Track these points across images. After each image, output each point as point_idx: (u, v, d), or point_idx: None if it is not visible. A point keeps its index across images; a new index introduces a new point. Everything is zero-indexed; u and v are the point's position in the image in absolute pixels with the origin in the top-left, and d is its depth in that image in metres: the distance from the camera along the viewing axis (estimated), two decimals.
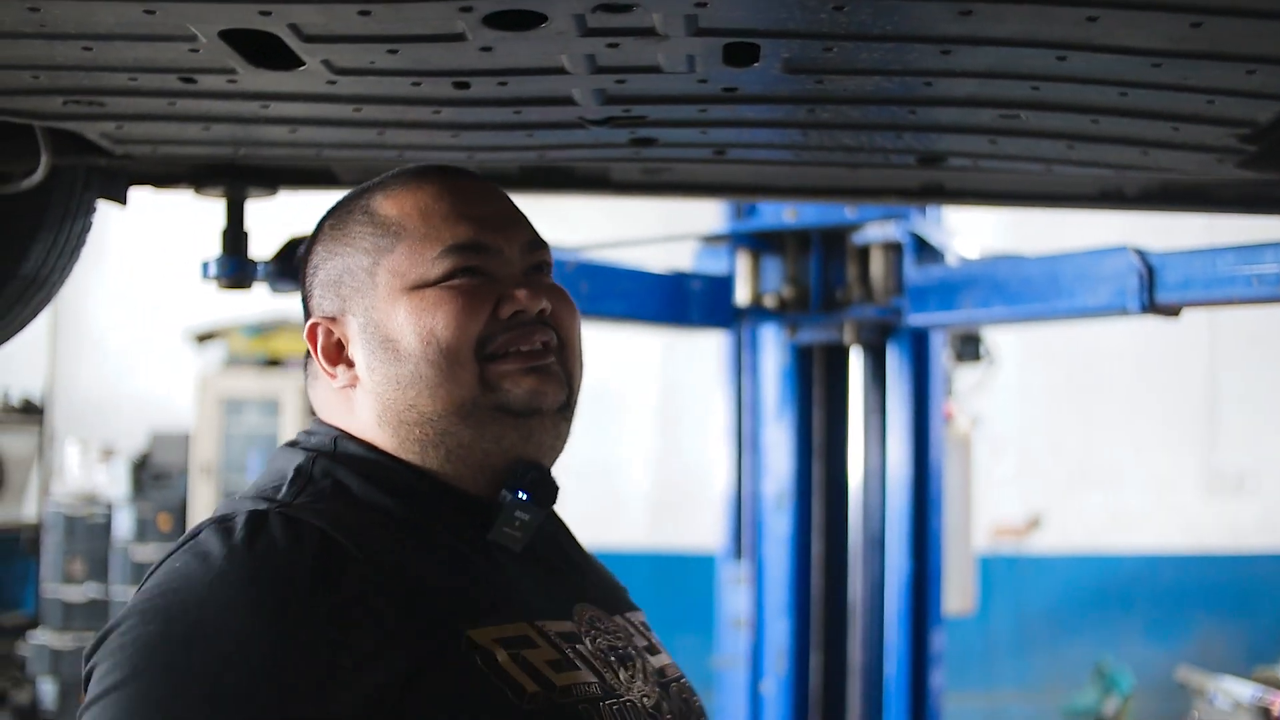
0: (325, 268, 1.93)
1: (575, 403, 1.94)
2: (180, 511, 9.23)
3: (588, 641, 1.86)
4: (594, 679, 1.78)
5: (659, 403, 9.93)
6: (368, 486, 1.83)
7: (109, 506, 9.40)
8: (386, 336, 1.85)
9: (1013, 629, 10.32)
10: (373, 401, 1.88)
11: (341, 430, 1.91)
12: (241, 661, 1.56)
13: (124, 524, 9.29)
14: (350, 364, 1.89)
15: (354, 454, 1.87)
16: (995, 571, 9.77)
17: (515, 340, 1.85)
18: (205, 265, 2.96)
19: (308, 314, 1.96)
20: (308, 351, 1.96)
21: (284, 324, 9.29)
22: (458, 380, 1.82)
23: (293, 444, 1.94)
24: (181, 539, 1.72)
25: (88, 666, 1.63)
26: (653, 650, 2.01)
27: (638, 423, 10.02)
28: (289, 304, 7.91)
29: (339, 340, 1.90)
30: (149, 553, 9.12)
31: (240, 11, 1.74)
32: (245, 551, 1.63)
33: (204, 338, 9.49)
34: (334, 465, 1.85)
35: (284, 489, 1.81)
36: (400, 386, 1.85)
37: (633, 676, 1.88)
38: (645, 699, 1.86)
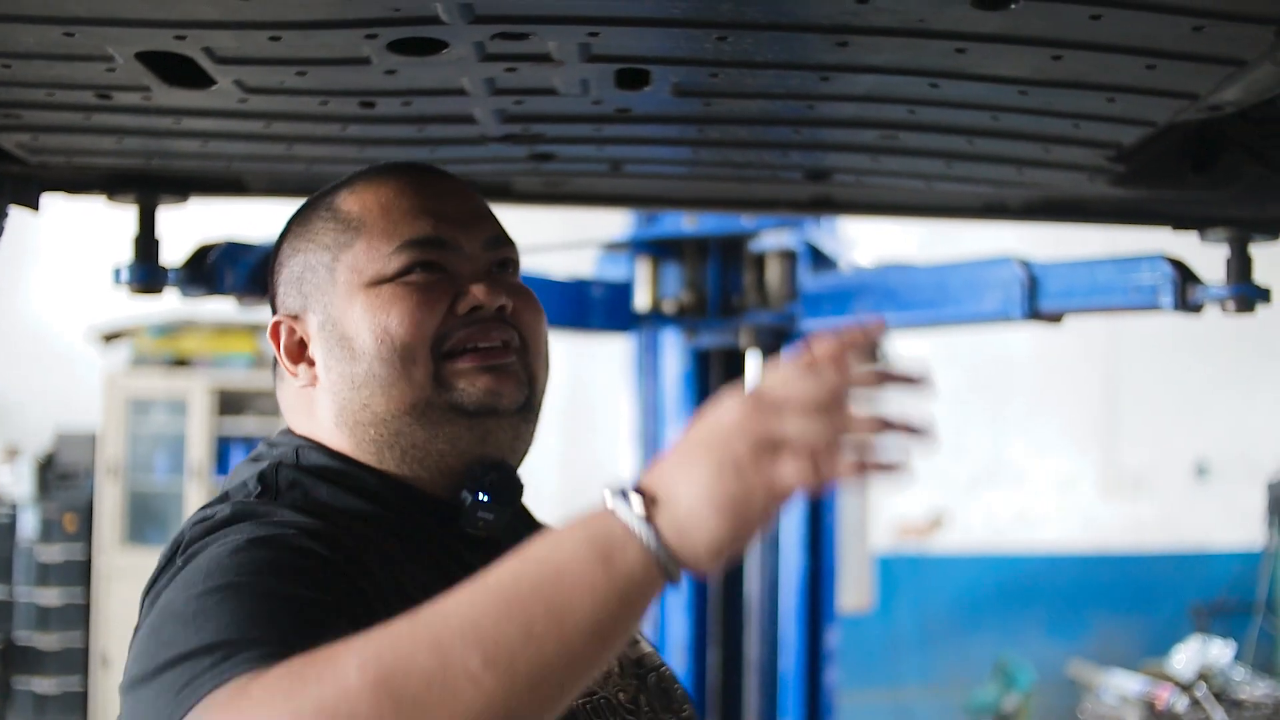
0: (289, 265, 1.88)
1: (538, 403, 1.89)
2: (86, 512, 9.12)
3: None
4: None
5: (565, 404, 9.96)
6: (335, 492, 1.77)
7: (13, 506, 9.26)
8: (343, 334, 1.80)
9: (916, 626, 10.40)
10: (330, 401, 1.83)
11: (305, 439, 1.85)
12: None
13: (28, 524, 9.18)
14: (311, 363, 1.85)
15: (317, 464, 1.81)
16: (899, 570, 9.87)
17: (473, 337, 1.79)
18: (117, 271, 2.99)
19: (274, 312, 1.91)
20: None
21: (191, 324, 9.22)
22: (411, 379, 1.77)
23: (255, 458, 1.87)
24: (177, 552, 1.62)
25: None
26: (630, 641, 1.93)
27: (544, 423, 10.01)
28: (195, 305, 7.89)
29: (301, 339, 1.86)
30: (54, 553, 9.02)
31: (157, 35, 1.80)
32: (255, 520, 1.60)
33: (110, 337, 9.40)
34: (299, 474, 1.78)
35: (251, 498, 1.72)
36: (355, 386, 1.79)
37: (608, 672, 1.83)
38: (621, 694, 1.83)
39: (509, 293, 1.83)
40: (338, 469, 1.81)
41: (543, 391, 1.90)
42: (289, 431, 1.90)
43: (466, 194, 1.91)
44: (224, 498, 1.75)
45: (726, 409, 1.32)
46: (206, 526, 1.61)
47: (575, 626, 1.26)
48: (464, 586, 1.30)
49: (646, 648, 1.98)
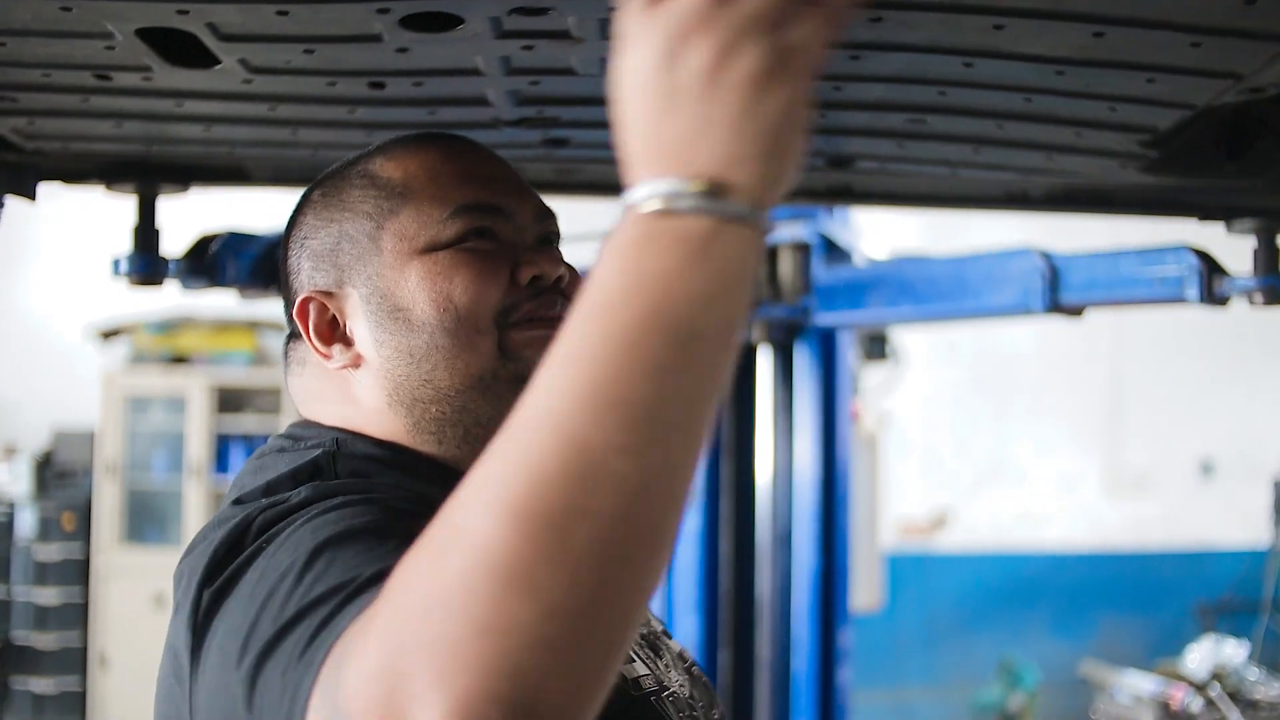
0: (316, 238, 1.76)
1: None
2: (84, 510, 9.11)
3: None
4: (647, 671, 1.67)
5: None
6: (399, 475, 1.64)
7: (11, 505, 9.25)
8: (396, 306, 1.68)
9: (920, 626, 10.40)
10: (381, 381, 1.70)
11: (339, 428, 1.72)
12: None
13: (26, 523, 9.16)
14: (349, 342, 1.72)
15: (367, 453, 1.68)
16: (903, 569, 9.86)
17: (539, 308, 1.69)
18: (116, 262, 2.93)
19: (291, 293, 1.78)
20: (288, 338, 1.83)
21: (190, 321, 9.20)
22: (477, 350, 1.66)
23: (283, 450, 1.70)
24: (245, 537, 1.48)
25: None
26: (667, 632, 1.91)
27: None
28: (194, 300, 7.85)
29: (333, 316, 1.72)
30: (52, 552, 9.00)
31: (158, 10, 1.73)
32: (340, 496, 1.47)
33: (108, 335, 9.38)
34: (358, 463, 1.65)
35: (303, 491, 1.54)
36: (414, 360, 1.67)
37: (668, 666, 1.77)
38: (683, 689, 1.75)
39: (563, 263, 1.75)
40: (391, 457, 1.68)
41: None
42: (309, 423, 1.77)
43: (507, 164, 1.82)
44: (267, 490, 1.58)
45: (646, 41, 1.08)
46: (281, 510, 1.47)
47: (701, 348, 1.06)
48: (549, 362, 1.10)
49: (677, 642, 1.91)
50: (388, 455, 1.68)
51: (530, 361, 1.63)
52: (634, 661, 1.65)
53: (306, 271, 1.76)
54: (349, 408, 1.73)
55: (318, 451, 1.65)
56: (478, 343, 1.66)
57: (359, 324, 1.71)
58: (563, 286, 1.72)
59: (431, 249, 1.68)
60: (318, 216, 1.77)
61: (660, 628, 1.89)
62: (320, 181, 1.81)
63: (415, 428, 1.69)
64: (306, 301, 1.73)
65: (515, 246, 1.72)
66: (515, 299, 1.68)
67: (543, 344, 1.54)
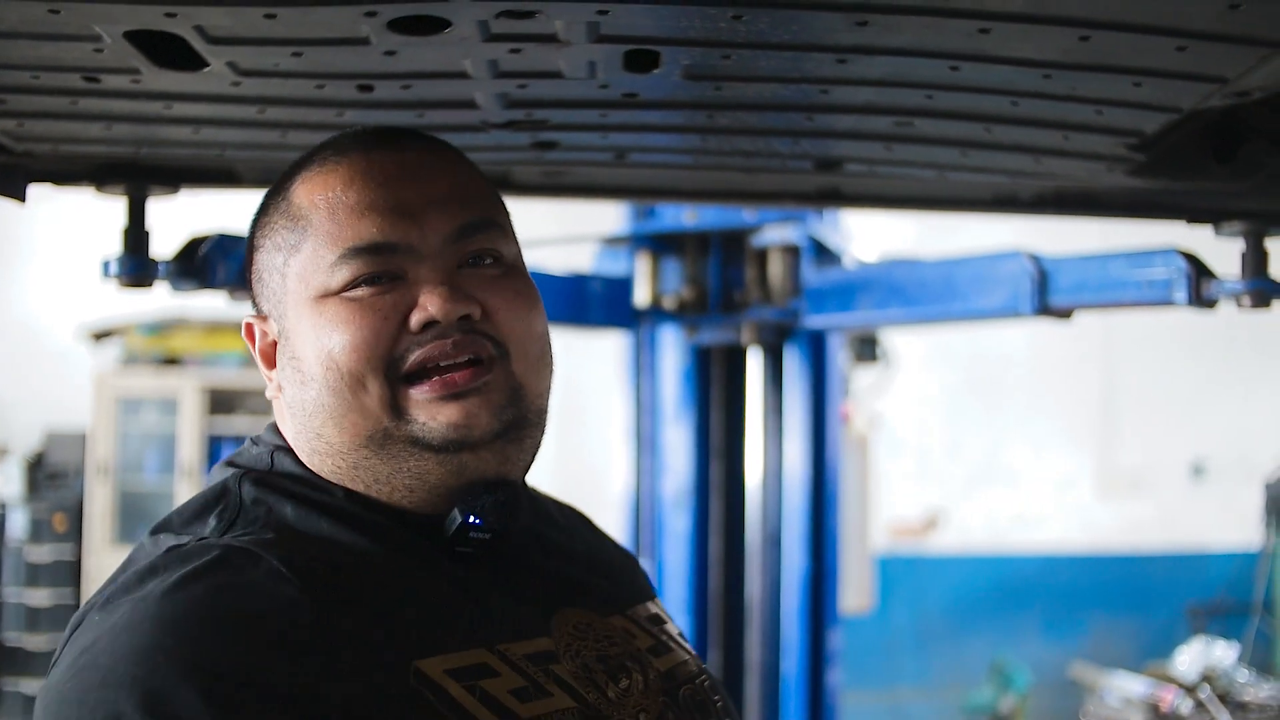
0: (256, 259, 1.73)
1: (533, 413, 1.67)
2: (76, 511, 9.11)
3: (567, 659, 1.61)
4: (571, 703, 1.56)
5: (558, 402, 9.88)
6: (302, 512, 1.58)
7: (2, 506, 9.26)
8: (294, 354, 1.63)
9: (912, 627, 10.40)
10: (290, 421, 1.67)
11: (285, 443, 1.69)
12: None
13: (18, 525, 9.16)
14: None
15: (289, 472, 1.65)
16: (894, 571, 9.86)
17: (431, 355, 1.58)
18: (106, 264, 2.93)
19: (255, 306, 1.76)
20: None
21: (181, 322, 9.20)
22: (363, 409, 1.58)
23: (231, 461, 1.72)
24: (102, 588, 1.53)
25: None
26: (660, 649, 1.77)
27: None
28: (186, 302, 7.85)
29: (274, 340, 1.69)
30: (44, 554, 9.01)
31: (146, 13, 1.73)
32: (166, 586, 1.43)
33: (100, 336, 9.38)
34: (264, 491, 1.61)
35: (210, 520, 1.58)
36: (307, 413, 1.62)
37: (627, 690, 1.63)
38: (642, 714, 1.62)
39: (480, 294, 1.63)
40: (309, 481, 1.64)
41: (540, 395, 1.70)
42: (274, 429, 1.75)
43: (437, 171, 1.71)
44: (185, 524, 1.62)
45: None
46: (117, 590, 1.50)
47: None
48: None
49: (682, 656, 1.81)
50: (308, 480, 1.64)
51: (424, 425, 1.58)
52: (550, 696, 1.55)
53: (254, 290, 1.74)
54: (286, 428, 1.71)
55: (230, 474, 1.65)
56: (364, 401, 1.58)
57: (279, 357, 1.70)
58: (474, 325, 1.62)
59: (323, 295, 1.61)
60: (258, 233, 1.73)
61: (648, 644, 1.77)
62: (273, 186, 1.77)
63: (319, 472, 1.66)
64: (249, 325, 1.73)
65: (418, 284, 1.61)
66: (406, 347, 1.59)
67: (435, 405, 1.54)
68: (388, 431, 1.58)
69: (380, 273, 1.60)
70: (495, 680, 1.51)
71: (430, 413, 1.58)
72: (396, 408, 1.58)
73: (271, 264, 1.67)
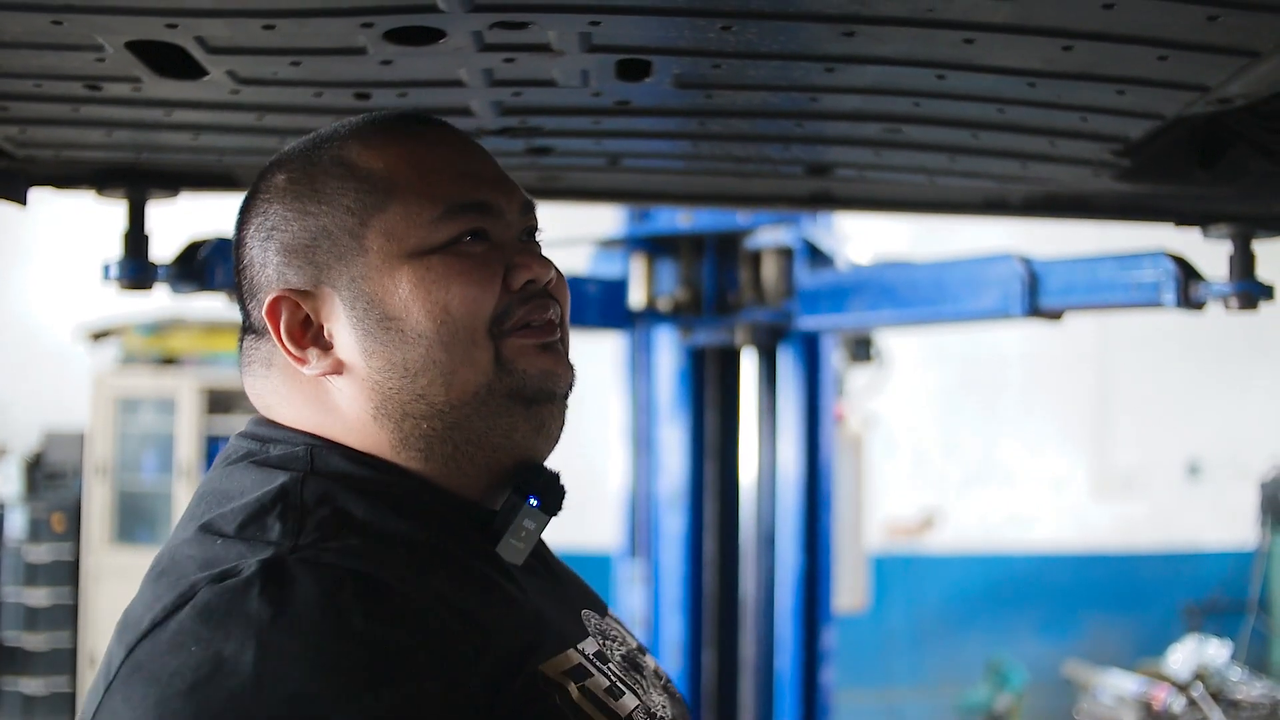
0: (288, 230, 1.61)
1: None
2: (74, 512, 9.11)
3: (615, 657, 1.66)
4: (636, 701, 1.60)
5: None
6: (374, 510, 1.52)
7: (1, 506, 9.26)
8: (386, 314, 1.56)
9: (908, 626, 10.41)
10: (367, 393, 1.59)
11: (311, 435, 1.61)
12: None
13: (16, 524, 9.15)
14: (326, 347, 1.60)
15: (342, 470, 1.57)
16: (890, 570, 9.87)
17: (530, 314, 1.61)
18: (106, 267, 2.95)
19: (255, 288, 1.64)
20: (244, 334, 1.69)
21: (179, 323, 9.20)
22: (475, 363, 1.57)
23: (249, 456, 1.60)
24: (168, 604, 1.39)
25: None
26: (643, 649, 1.81)
27: None
28: (184, 303, 7.86)
29: (307, 317, 1.59)
30: (42, 553, 9.00)
31: (148, 24, 1.76)
32: (278, 618, 1.34)
33: (98, 336, 9.38)
34: (329, 486, 1.53)
35: (274, 525, 1.46)
36: (409, 374, 1.56)
37: (648, 685, 1.68)
38: (665, 709, 1.67)
39: (549, 263, 1.66)
40: (369, 476, 1.57)
41: None
42: (272, 423, 1.66)
43: (489, 154, 1.72)
44: (240, 530, 1.47)
45: None
46: (222, 594, 1.37)
47: None
48: None
49: (650, 657, 1.83)
50: (366, 474, 1.57)
51: (525, 374, 1.59)
52: (623, 694, 1.58)
53: (275, 266, 1.62)
54: (324, 416, 1.62)
55: (285, 476, 1.54)
56: (475, 356, 1.57)
57: (341, 329, 1.59)
58: (550, 290, 1.65)
59: (422, 252, 1.57)
60: (288, 206, 1.62)
61: (636, 644, 1.80)
62: (283, 163, 1.67)
63: (402, 443, 1.60)
64: (278, 301, 1.60)
65: (505, 247, 1.63)
66: (508, 305, 1.60)
67: (534, 355, 1.56)
68: (490, 386, 1.58)
69: (481, 229, 1.61)
70: (592, 680, 1.54)
71: (529, 361, 1.60)
72: (500, 360, 1.59)
73: (337, 227, 1.59)
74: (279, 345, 1.60)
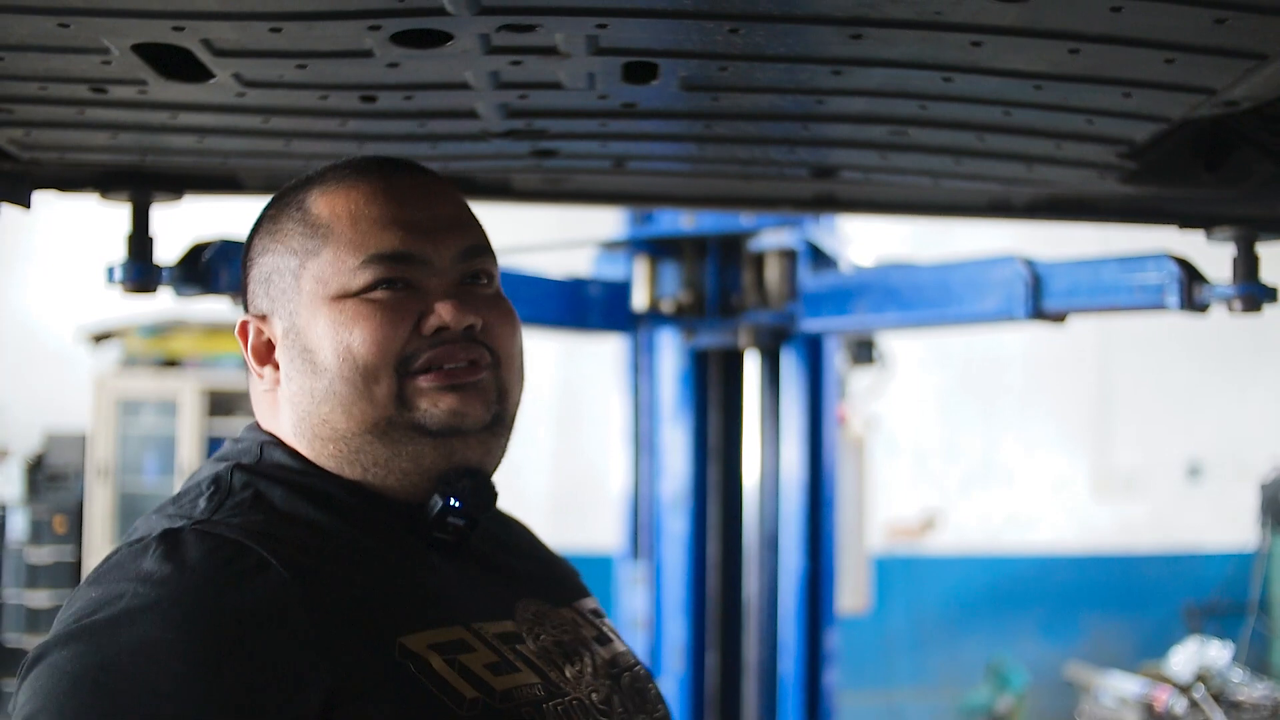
0: (259, 263, 1.84)
1: (510, 417, 1.85)
2: (76, 513, 9.11)
3: (530, 640, 1.79)
4: (536, 679, 1.72)
5: (557, 405, 9.94)
6: (290, 497, 1.74)
7: (3, 508, 9.25)
8: (305, 346, 1.77)
9: (909, 628, 10.42)
10: (290, 410, 1.80)
11: (271, 436, 1.84)
12: (160, 698, 1.48)
13: (18, 526, 9.16)
14: (276, 366, 1.82)
15: (279, 463, 1.79)
16: (892, 571, 9.87)
17: (439, 358, 1.75)
18: (110, 270, 2.94)
19: (245, 308, 1.88)
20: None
21: (181, 324, 9.20)
22: (373, 398, 1.74)
23: (220, 456, 1.86)
24: (100, 564, 1.66)
25: (15, 693, 1.55)
26: (603, 639, 1.94)
27: (537, 425, 10.02)
28: (186, 304, 7.87)
29: (269, 340, 1.83)
30: (44, 555, 9.02)
31: (154, 27, 1.76)
32: (162, 576, 1.56)
33: (100, 338, 9.38)
34: (254, 477, 1.76)
35: (200, 502, 1.71)
36: (315, 400, 1.76)
37: (580, 672, 1.81)
38: (594, 694, 1.80)
39: (480, 309, 1.80)
40: (298, 469, 1.79)
41: (516, 404, 1.87)
42: (256, 427, 1.90)
43: (444, 198, 1.86)
44: (176, 504, 1.74)
45: None
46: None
47: None
48: None
49: (620, 647, 1.97)
50: (296, 468, 1.79)
51: (426, 412, 1.75)
52: (519, 671, 1.72)
53: (250, 293, 1.87)
54: (276, 423, 1.85)
55: (229, 464, 1.79)
56: (374, 393, 1.74)
57: (281, 354, 1.82)
58: (475, 334, 1.79)
59: (341, 296, 1.76)
60: (262, 239, 1.86)
61: (593, 634, 1.94)
62: (275, 200, 1.88)
63: (318, 458, 1.80)
64: (245, 324, 1.85)
65: (428, 294, 1.78)
66: (417, 348, 1.76)
67: (437, 394, 1.73)
68: (391, 419, 1.75)
69: (398, 279, 1.76)
70: (472, 655, 1.68)
71: (432, 400, 1.75)
72: (402, 399, 1.75)
73: (284, 266, 1.80)
74: (246, 360, 1.86)
